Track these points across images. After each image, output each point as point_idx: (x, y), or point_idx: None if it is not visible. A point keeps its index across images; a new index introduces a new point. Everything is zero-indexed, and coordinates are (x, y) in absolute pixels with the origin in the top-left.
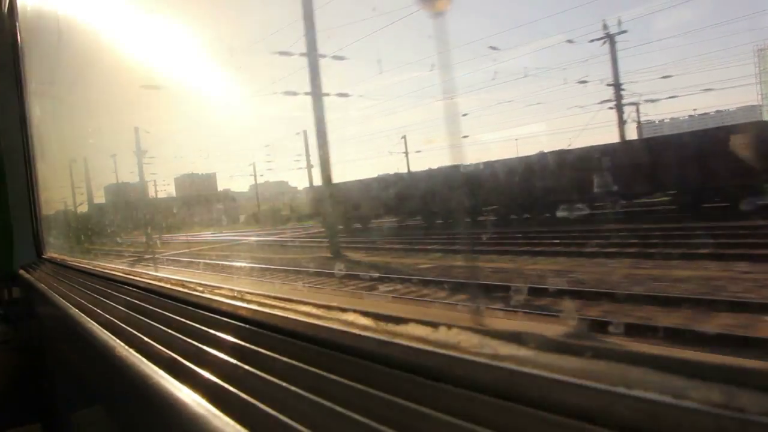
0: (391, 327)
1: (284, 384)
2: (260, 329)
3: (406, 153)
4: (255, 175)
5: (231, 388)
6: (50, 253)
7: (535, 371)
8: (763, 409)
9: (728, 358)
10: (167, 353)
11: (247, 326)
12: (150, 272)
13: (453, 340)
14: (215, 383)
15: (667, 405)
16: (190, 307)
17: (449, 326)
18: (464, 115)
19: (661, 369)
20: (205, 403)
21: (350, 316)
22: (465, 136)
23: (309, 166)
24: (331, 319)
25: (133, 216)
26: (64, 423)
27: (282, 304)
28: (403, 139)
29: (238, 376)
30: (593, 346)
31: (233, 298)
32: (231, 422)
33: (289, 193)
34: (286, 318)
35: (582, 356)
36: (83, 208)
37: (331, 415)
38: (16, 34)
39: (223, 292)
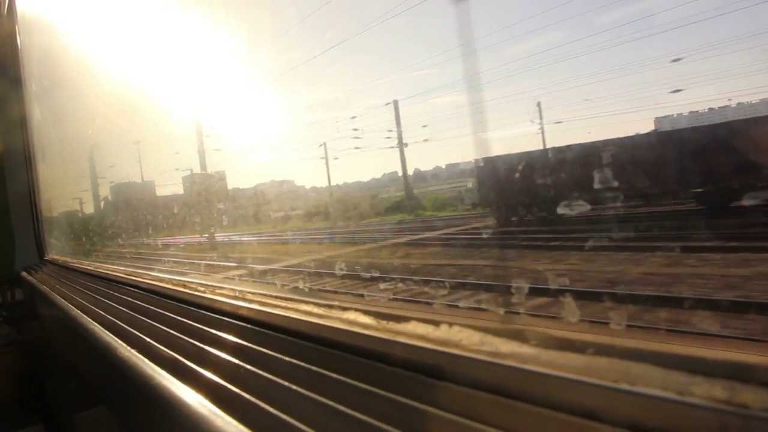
0: (392, 325)
1: (286, 383)
2: (262, 329)
3: (541, 124)
4: (327, 159)
5: (233, 388)
6: (52, 255)
7: (536, 368)
8: (766, 404)
9: (731, 353)
10: (169, 353)
11: (249, 326)
12: (150, 273)
13: (454, 338)
14: (217, 383)
15: (670, 401)
16: (192, 308)
17: (450, 324)
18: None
19: (664, 365)
20: (208, 402)
21: (351, 315)
22: (677, 90)
23: (401, 144)
24: (332, 318)
25: (162, 215)
26: (67, 424)
27: (283, 304)
28: (537, 107)
29: (240, 375)
30: (595, 343)
31: (235, 298)
32: (233, 422)
33: (294, 192)
34: (288, 317)
35: (584, 353)
36: (91, 209)
37: (332, 414)
38: (16, 34)
39: (224, 292)
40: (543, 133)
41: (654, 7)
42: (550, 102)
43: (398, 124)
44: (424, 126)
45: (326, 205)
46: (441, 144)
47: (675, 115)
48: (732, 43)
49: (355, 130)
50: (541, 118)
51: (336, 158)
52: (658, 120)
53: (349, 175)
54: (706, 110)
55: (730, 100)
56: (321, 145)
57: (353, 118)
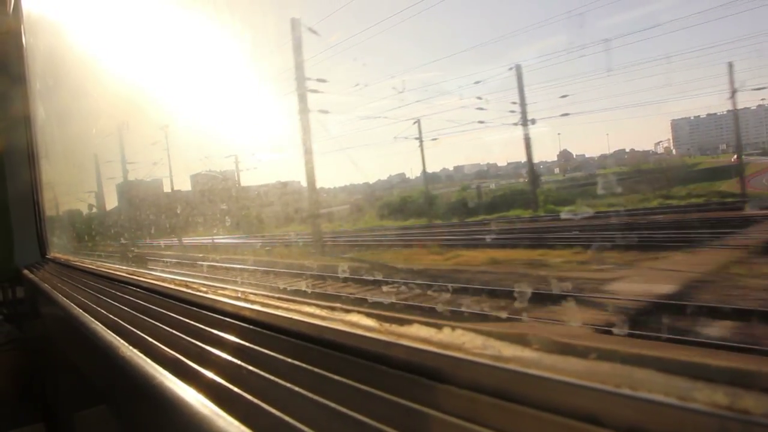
0: (394, 328)
1: (288, 384)
2: (264, 330)
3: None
4: (421, 139)
5: (235, 389)
6: (54, 253)
7: (539, 372)
8: (767, 411)
9: (733, 360)
10: (171, 353)
11: (251, 327)
12: (152, 272)
13: (457, 341)
14: (219, 383)
15: (671, 406)
16: (194, 308)
17: (453, 327)
18: None
19: (666, 370)
20: (209, 403)
21: (354, 317)
22: None
23: (526, 121)
24: (334, 319)
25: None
26: (68, 423)
27: (285, 305)
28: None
29: (242, 376)
30: (597, 348)
31: (237, 298)
32: (235, 422)
33: (295, 194)
34: (290, 318)
35: (586, 358)
36: (104, 207)
37: (334, 416)
38: (21, 34)
39: (226, 292)
40: (734, 101)
41: None
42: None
43: (522, 96)
44: (562, 96)
45: (403, 202)
46: (440, 147)
47: (692, 118)
48: None
49: (479, 98)
50: (732, 83)
51: (435, 139)
52: (675, 122)
53: (344, 178)
54: (724, 112)
55: (762, 99)
56: (415, 122)
57: (477, 83)
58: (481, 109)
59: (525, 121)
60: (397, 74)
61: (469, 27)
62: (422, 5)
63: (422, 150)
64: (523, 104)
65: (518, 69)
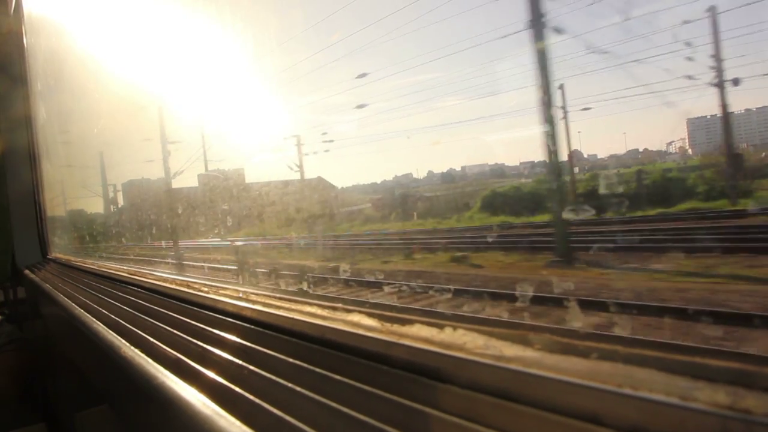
0: (396, 328)
1: (289, 384)
2: (265, 330)
3: None
4: (565, 109)
5: (236, 389)
6: (55, 254)
7: (540, 372)
8: None
9: (734, 360)
10: (172, 353)
11: (252, 327)
12: (154, 272)
13: (458, 341)
14: (220, 383)
15: (673, 406)
16: (195, 308)
17: (455, 327)
18: None
19: (667, 370)
20: (211, 403)
21: (355, 317)
22: None
23: (722, 81)
24: (336, 319)
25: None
26: (69, 423)
27: (287, 305)
28: None
29: (243, 376)
30: (599, 348)
31: (238, 298)
32: (236, 422)
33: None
34: (291, 319)
35: (588, 357)
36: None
37: (336, 416)
38: (22, 34)
39: (227, 292)
40: None
41: None
42: None
43: (717, 46)
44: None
45: (516, 192)
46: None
47: (708, 117)
48: None
49: (688, 44)
50: None
51: (587, 108)
52: (690, 121)
53: (347, 179)
54: (742, 111)
55: None
56: (560, 87)
57: (686, 23)
58: (690, 59)
59: (721, 82)
60: None
61: None
62: None
63: (567, 124)
64: (718, 59)
65: (714, 12)
